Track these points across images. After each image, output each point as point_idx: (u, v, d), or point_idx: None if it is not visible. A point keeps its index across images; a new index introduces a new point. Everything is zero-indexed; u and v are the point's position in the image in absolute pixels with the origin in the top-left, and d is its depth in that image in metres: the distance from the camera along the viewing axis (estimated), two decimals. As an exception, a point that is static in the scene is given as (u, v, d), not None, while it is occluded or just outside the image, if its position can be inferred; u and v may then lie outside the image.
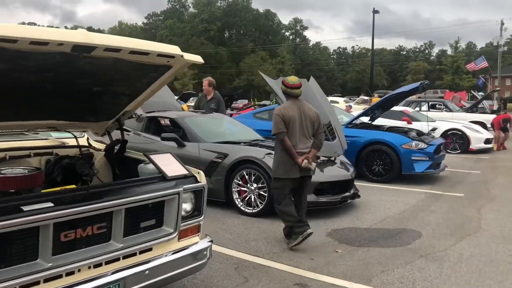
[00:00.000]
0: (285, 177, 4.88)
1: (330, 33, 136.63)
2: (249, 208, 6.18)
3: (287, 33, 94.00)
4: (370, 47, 45.40)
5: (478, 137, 13.30)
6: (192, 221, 3.50)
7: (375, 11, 39.93)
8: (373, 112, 10.17)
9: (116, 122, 4.04)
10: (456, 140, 13.37)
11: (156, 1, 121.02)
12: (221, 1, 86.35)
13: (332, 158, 6.91)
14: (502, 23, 46.08)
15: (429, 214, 6.51)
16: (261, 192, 6.05)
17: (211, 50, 75.17)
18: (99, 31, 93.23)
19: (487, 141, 13.71)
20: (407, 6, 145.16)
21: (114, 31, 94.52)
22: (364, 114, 10.14)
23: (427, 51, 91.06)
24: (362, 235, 5.47)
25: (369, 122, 10.36)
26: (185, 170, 3.54)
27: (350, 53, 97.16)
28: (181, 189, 3.29)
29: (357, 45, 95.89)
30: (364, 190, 7.87)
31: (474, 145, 13.17)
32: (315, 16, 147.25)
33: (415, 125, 12.60)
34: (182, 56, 3.23)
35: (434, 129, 13.45)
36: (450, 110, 17.26)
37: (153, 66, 3.35)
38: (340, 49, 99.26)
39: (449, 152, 12.99)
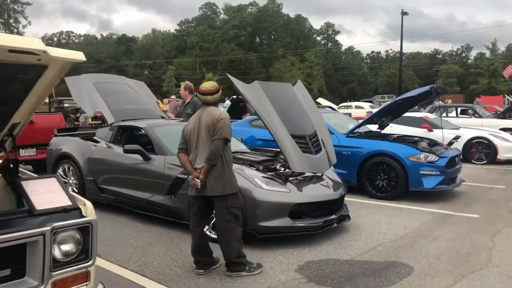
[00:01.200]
0: (189, 193, 4.43)
1: (362, 37, 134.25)
2: (215, 232, 5.29)
3: (318, 38, 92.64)
4: (404, 51, 43.73)
5: (506, 146, 11.91)
6: (76, 267, 2.71)
7: (403, 13, 38.47)
8: (380, 119, 9.11)
9: (9, 137, 3.30)
10: (482, 150, 12.05)
11: (188, 9, 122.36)
12: (252, 7, 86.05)
13: (319, 174, 5.96)
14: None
15: (431, 242, 5.47)
16: (227, 215, 5.15)
17: (241, 56, 74.75)
18: (133, 39, 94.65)
19: (518, 150, 12.33)
20: (442, 9, 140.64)
21: (147, 38, 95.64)
22: (369, 121, 9.11)
23: (464, 54, 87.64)
24: (340, 270, 4.51)
25: (378, 130, 9.34)
26: (68, 201, 2.76)
27: (384, 57, 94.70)
28: (49, 228, 2.51)
29: (391, 49, 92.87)
30: (362, 209, 6.93)
31: (502, 155, 11.81)
32: (346, 21, 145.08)
33: (436, 133, 11.48)
34: (44, 52, 2.47)
35: (457, 137, 12.29)
36: (480, 116, 15.98)
37: (19, 66, 2.60)
38: (374, 54, 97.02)
39: (474, 163, 11.84)
